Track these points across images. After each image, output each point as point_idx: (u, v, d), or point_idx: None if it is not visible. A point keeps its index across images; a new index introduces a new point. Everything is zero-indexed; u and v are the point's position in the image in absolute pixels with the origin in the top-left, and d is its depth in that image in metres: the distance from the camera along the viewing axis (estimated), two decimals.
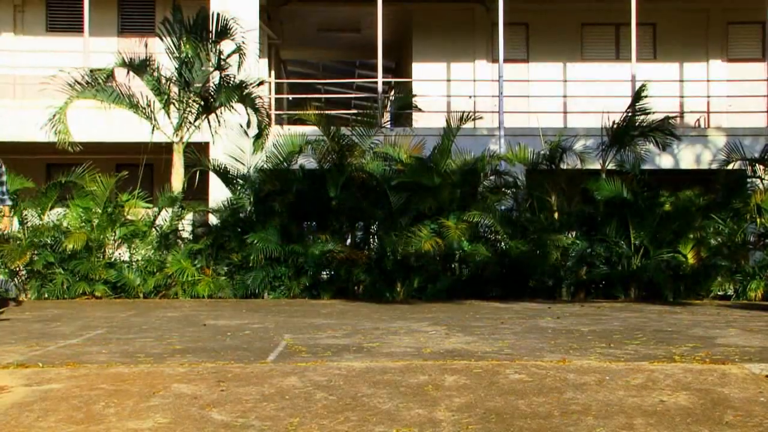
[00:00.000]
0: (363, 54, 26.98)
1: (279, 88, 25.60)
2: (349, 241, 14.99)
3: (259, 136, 15.90)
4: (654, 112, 15.79)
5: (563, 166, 15.23)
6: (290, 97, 26.60)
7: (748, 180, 15.60)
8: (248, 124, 16.20)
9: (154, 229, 14.71)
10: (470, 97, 21.43)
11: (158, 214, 14.90)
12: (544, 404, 5.88)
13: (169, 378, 6.51)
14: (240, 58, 15.74)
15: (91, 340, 8.77)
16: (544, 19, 22.19)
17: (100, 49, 18.71)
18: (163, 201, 14.92)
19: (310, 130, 16.16)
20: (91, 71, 15.80)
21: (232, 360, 7.27)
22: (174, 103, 15.72)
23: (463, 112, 15.52)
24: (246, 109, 16.00)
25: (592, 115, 18.85)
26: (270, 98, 21.61)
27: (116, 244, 14.68)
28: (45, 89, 15.55)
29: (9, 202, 11.58)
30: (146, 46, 15.64)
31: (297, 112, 16.92)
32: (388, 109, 21.46)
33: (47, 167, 19.18)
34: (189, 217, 15.46)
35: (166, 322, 10.42)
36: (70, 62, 17.50)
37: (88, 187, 14.68)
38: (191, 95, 15.67)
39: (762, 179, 15.37)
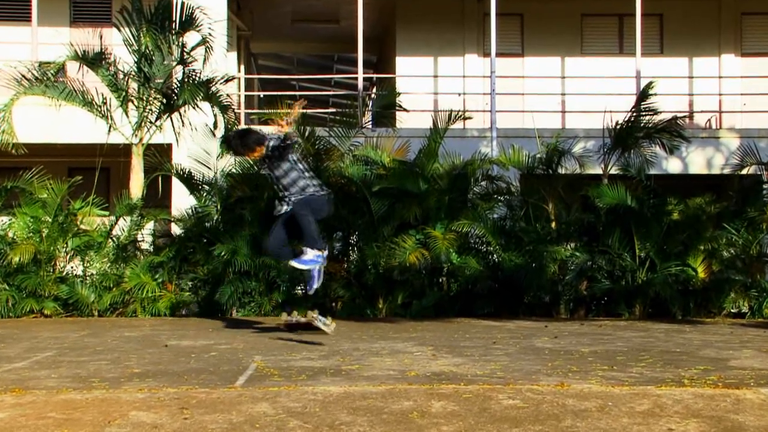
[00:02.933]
0: (342, 47, 27.05)
1: (249, 85, 25.61)
2: (326, 252, 14.95)
3: None
4: (661, 112, 15.86)
5: (561, 171, 15.27)
6: (261, 94, 26.64)
7: (764, 186, 15.70)
8: (215, 125, 16.18)
9: (110, 240, 14.64)
10: (459, 94, 21.50)
11: (115, 223, 14.83)
12: None
13: (126, 405, 6.47)
14: (206, 51, 15.73)
15: (39, 363, 8.71)
16: (541, 9, 22.30)
17: (51, 40, 18.65)
18: (120, 209, 14.87)
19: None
20: (40, 65, 15.74)
21: (197, 384, 7.23)
22: (133, 101, 15.68)
23: (452, 111, 15.56)
24: (212, 108, 15.98)
25: (592, 114, 18.93)
26: (239, 95, 21.62)
27: (68, 257, 14.61)
28: None
29: None
30: (101, 37, 15.55)
31: (268, 111, 16.90)
32: (370, 107, 21.51)
33: None
34: (149, 226, 15.42)
35: (124, 343, 10.36)
36: (16, 54, 17.46)
37: (37, 193, 14.61)
38: (152, 92, 15.63)
39: None
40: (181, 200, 16.38)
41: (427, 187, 14.58)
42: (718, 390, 6.86)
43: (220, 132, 16.12)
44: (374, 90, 27.19)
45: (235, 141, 10.49)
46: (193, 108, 15.72)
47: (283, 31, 25.79)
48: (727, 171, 17.42)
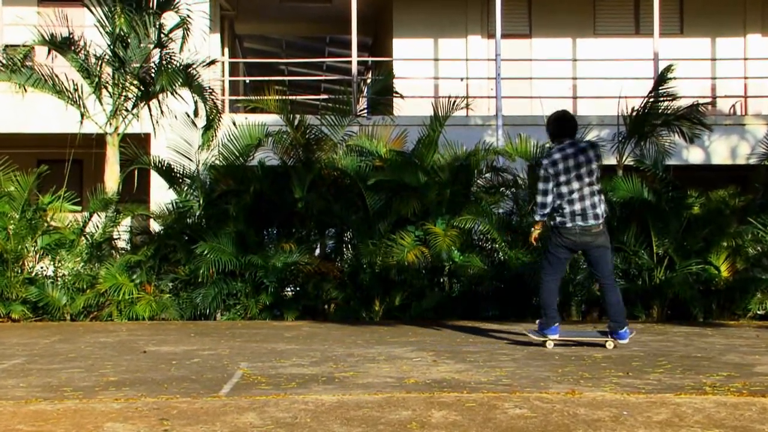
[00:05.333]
0: (334, 28, 27.02)
1: (234, 70, 25.60)
2: (318, 251, 15.00)
3: (209, 127, 15.89)
4: (680, 97, 15.90)
5: None
6: (247, 79, 26.63)
7: None
8: (196, 113, 16.20)
9: (83, 238, 14.65)
10: (462, 79, 21.51)
11: (89, 219, 14.84)
12: None
13: (101, 416, 6.48)
14: (184, 32, 15.71)
15: (6, 371, 8.72)
16: None
17: (16, 20, 18.62)
18: (94, 204, 14.87)
19: (272, 120, 16.16)
20: (5, 48, 15.74)
21: (178, 394, 7.25)
22: (107, 87, 15.69)
23: (454, 97, 15.56)
24: (193, 95, 15.99)
25: (606, 101, 18.94)
26: (223, 81, 21.63)
27: (37, 256, 14.62)
28: None
29: None
30: (66, 18, 15.48)
31: (254, 97, 16.93)
32: (365, 94, 21.54)
33: None
34: (126, 223, 15.44)
35: (99, 349, 10.37)
36: None
37: (3, 187, 14.61)
38: (127, 77, 15.64)
39: None
40: (161, 195, 16.41)
41: (426, 179, 14.60)
42: (743, 398, 6.88)
43: (201, 121, 16.13)
44: (369, 75, 27.19)
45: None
46: (172, 95, 15.73)
47: (270, 11, 25.76)
48: (753, 161, 17.43)
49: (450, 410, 6.53)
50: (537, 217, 10.01)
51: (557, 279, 10.04)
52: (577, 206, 9.62)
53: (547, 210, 9.80)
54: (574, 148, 9.74)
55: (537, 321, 10.26)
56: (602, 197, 9.80)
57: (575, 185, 9.62)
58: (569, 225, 9.64)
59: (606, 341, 9.93)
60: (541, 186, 9.84)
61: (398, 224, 14.47)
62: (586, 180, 9.64)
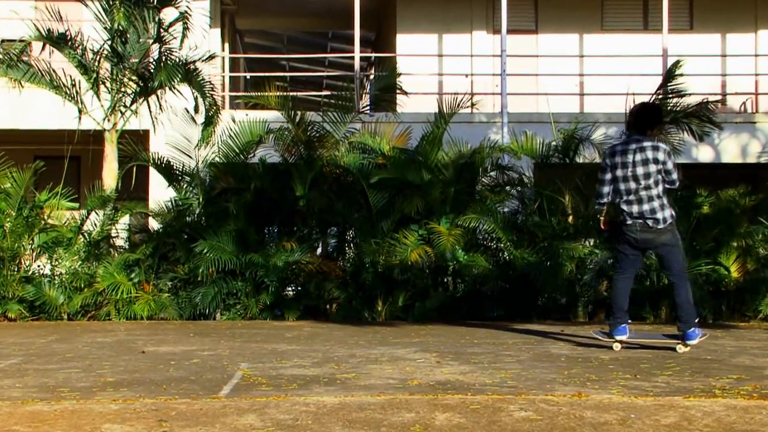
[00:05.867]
0: (337, 23, 27.01)
1: (234, 65, 25.63)
2: (319, 250, 15.01)
3: (209, 123, 15.90)
4: (690, 94, 15.88)
5: (579, 160, 15.30)
6: (248, 75, 26.63)
7: None
8: (196, 109, 16.20)
9: (81, 236, 14.67)
10: (467, 75, 21.52)
11: (86, 217, 14.86)
12: None
13: (99, 417, 6.48)
14: (184, 27, 15.71)
15: (3, 371, 8.72)
16: None
17: (12, 15, 18.62)
18: (92, 201, 14.88)
19: (273, 116, 16.18)
20: (1, 43, 15.74)
21: (177, 395, 7.25)
22: (105, 83, 15.69)
23: (458, 94, 15.56)
24: (192, 91, 15.99)
25: (614, 98, 18.94)
26: (223, 77, 21.64)
27: (34, 255, 14.64)
28: None
29: None
30: (60, 13, 15.50)
31: (255, 93, 16.93)
32: (367, 90, 21.50)
33: None
34: (124, 221, 15.43)
35: (96, 349, 10.37)
36: None
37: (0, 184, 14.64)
38: (126, 73, 15.64)
39: None
40: (160, 192, 16.42)
41: (430, 177, 14.60)
42: (753, 401, 6.87)
43: (200, 117, 16.13)
44: (372, 71, 27.21)
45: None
46: (172, 90, 15.73)
47: (271, 6, 25.78)
48: (764, 159, 17.47)
49: (454, 412, 6.53)
50: (596, 207, 10.02)
51: (626, 278, 9.82)
52: (635, 208, 9.48)
53: (603, 200, 9.73)
54: (636, 144, 9.52)
55: (607, 321, 10.12)
56: (664, 202, 9.49)
57: (631, 185, 9.47)
58: (629, 222, 9.52)
59: (677, 344, 9.74)
60: (599, 176, 9.77)
61: (401, 223, 14.47)
62: (642, 182, 9.43)
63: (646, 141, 9.55)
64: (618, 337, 9.81)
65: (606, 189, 9.68)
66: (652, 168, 9.42)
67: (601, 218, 10.04)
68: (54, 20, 15.35)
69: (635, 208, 9.48)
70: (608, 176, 9.65)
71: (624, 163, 9.51)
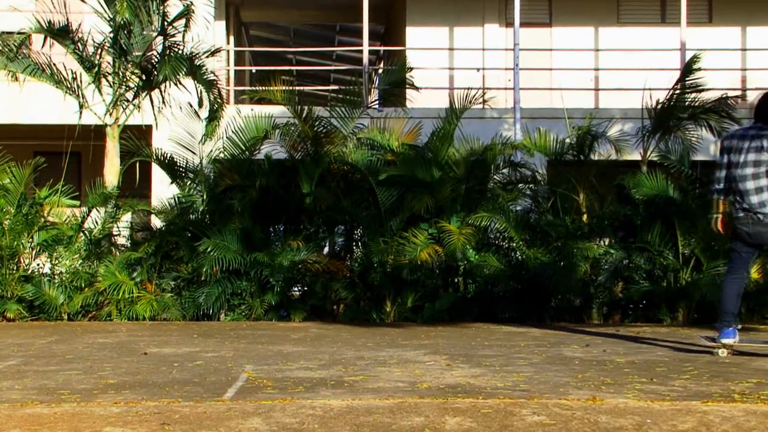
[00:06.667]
0: (345, 16, 27.04)
1: (240, 58, 25.64)
2: (326, 249, 15.01)
3: (213, 119, 15.91)
4: (708, 89, 15.86)
5: (594, 157, 15.27)
6: (254, 69, 26.62)
7: None
8: (200, 104, 16.22)
9: (82, 234, 14.68)
10: (478, 70, 21.51)
11: (87, 214, 14.88)
12: None
13: (100, 420, 6.49)
14: (186, 20, 15.72)
15: (1, 373, 8.74)
16: None
17: (11, 6, 18.64)
18: (93, 198, 14.90)
19: (279, 111, 16.17)
20: (0, 35, 15.76)
21: (180, 397, 7.25)
22: (107, 77, 15.70)
23: (470, 89, 15.55)
24: (197, 85, 16.00)
25: (630, 93, 18.94)
26: (228, 70, 21.66)
27: (34, 253, 14.65)
28: None
29: None
30: (64, 5, 15.53)
31: (260, 88, 16.95)
32: (376, 85, 21.50)
33: None
34: (126, 218, 15.46)
35: (97, 350, 10.38)
36: None
37: None
38: (129, 66, 15.65)
39: None
40: (162, 189, 16.44)
41: (440, 175, 14.60)
42: None
43: (204, 112, 16.14)
44: (381, 65, 27.21)
45: None
46: (176, 85, 15.74)
47: None
48: None
49: (465, 417, 6.53)
50: (714, 195, 9.54)
51: (736, 279, 9.46)
52: (752, 198, 9.14)
53: (718, 186, 9.41)
54: (754, 131, 9.24)
55: (714, 325, 9.76)
56: None
57: (747, 170, 9.13)
58: (741, 214, 9.21)
59: None
60: (717, 159, 9.53)
61: (411, 221, 14.47)
62: (753, 169, 9.11)
63: (766, 129, 9.23)
64: (725, 341, 9.48)
65: (721, 174, 9.38)
66: (765, 156, 9.13)
67: (717, 216, 9.55)
68: (55, 12, 15.34)
69: (752, 199, 9.17)
70: (724, 160, 9.36)
71: (739, 149, 9.24)
